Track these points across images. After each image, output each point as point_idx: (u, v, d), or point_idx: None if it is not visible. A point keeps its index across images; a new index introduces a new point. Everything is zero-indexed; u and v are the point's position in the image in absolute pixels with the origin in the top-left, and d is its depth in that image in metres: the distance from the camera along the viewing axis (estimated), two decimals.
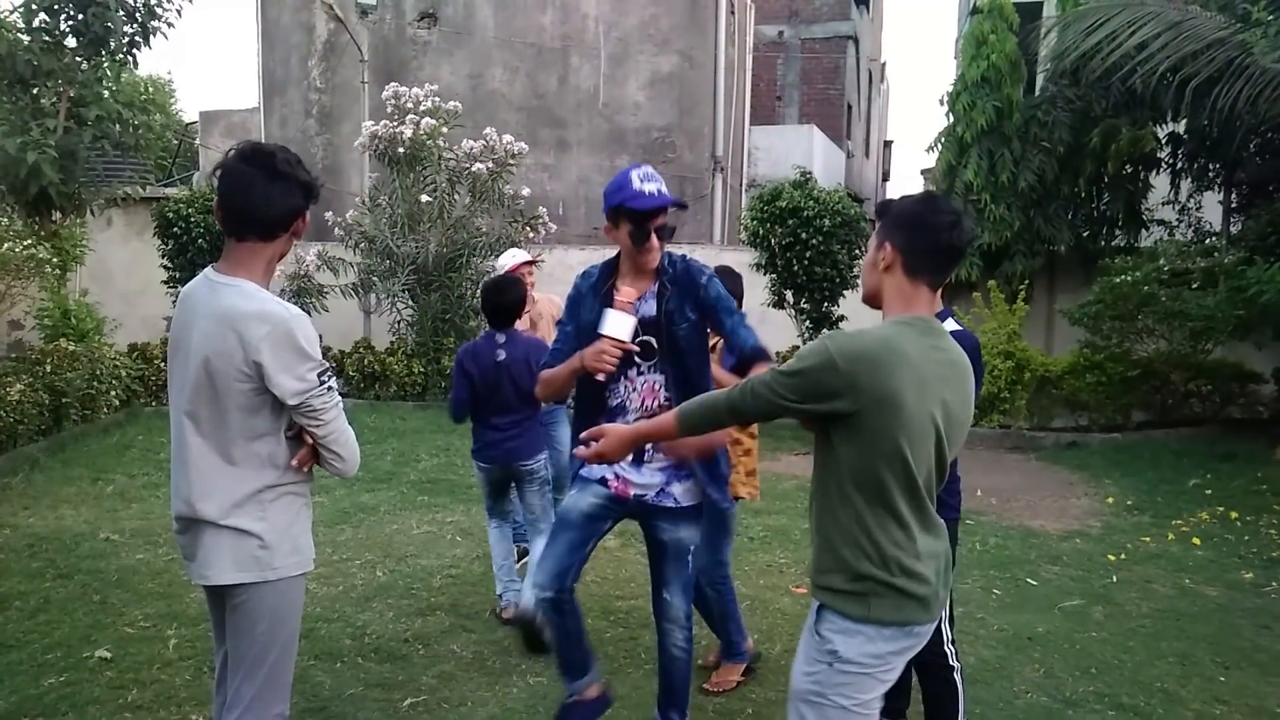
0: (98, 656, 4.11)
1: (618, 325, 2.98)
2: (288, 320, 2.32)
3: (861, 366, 2.11)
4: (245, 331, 2.29)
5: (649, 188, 3.00)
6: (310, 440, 2.45)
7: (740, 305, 4.69)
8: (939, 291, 2.31)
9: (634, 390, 3.12)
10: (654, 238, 3.02)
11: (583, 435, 2.69)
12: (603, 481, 3.17)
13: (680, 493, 3.15)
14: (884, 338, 2.16)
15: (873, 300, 2.38)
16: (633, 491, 3.14)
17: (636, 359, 3.06)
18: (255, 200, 2.35)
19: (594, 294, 3.14)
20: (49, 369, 8.55)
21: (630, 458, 3.08)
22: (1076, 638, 4.67)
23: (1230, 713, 3.90)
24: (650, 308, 3.08)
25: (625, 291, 3.04)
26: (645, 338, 3.06)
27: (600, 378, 2.99)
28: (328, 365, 2.41)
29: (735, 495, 4.04)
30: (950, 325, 3.18)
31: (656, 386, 3.11)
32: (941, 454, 2.23)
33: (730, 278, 4.61)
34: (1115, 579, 5.60)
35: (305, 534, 2.52)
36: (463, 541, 5.85)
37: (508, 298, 4.57)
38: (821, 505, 2.26)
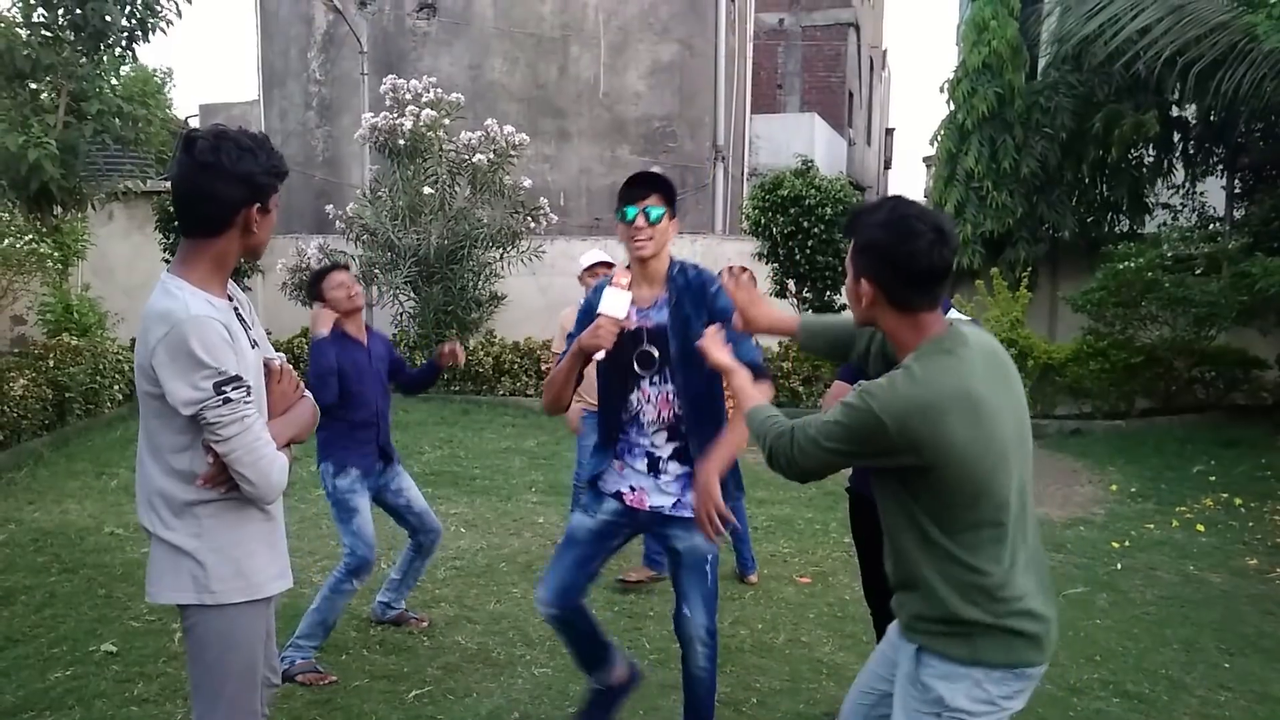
0: (103, 650, 4.12)
1: (613, 303, 2.93)
2: (184, 322, 2.08)
3: (913, 419, 1.91)
4: (147, 333, 2.13)
5: (642, 171, 3.00)
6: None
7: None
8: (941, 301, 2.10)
9: (648, 401, 3.07)
10: (641, 218, 2.94)
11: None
12: (617, 496, 3.12)
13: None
14: (924, 378, 1.94)
15: (865, 325, 2.20)
16: (649, 504, 3.10)
17: (639, 369, 3.01)
18: (187, 193, 2.18)
19: (597, 294, 3.09)
20: (52, 364, 8.56)
21: (646, 469, 3.09)
22: (1081, 625, 4.67)
23: (1234, 699, 3.90)
24: (663, 315, 3.02)
25: (619, 273, 3.03)
26: (648, 348, 3.01)
27: (599, 355, 2.94)
28: (230, 375, 2.12)
29: None
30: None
31: (670, 396, 3.05)
32: (1025, 458, 2.06)
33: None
34: (1119, 566, 5.60)
35: (255, 555, 2.26)
36: (467, 533, 5.86)
37: None
38: (902, 551, 2.07)
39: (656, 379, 3.05)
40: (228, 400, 2.10)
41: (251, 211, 2.18)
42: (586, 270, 5.23)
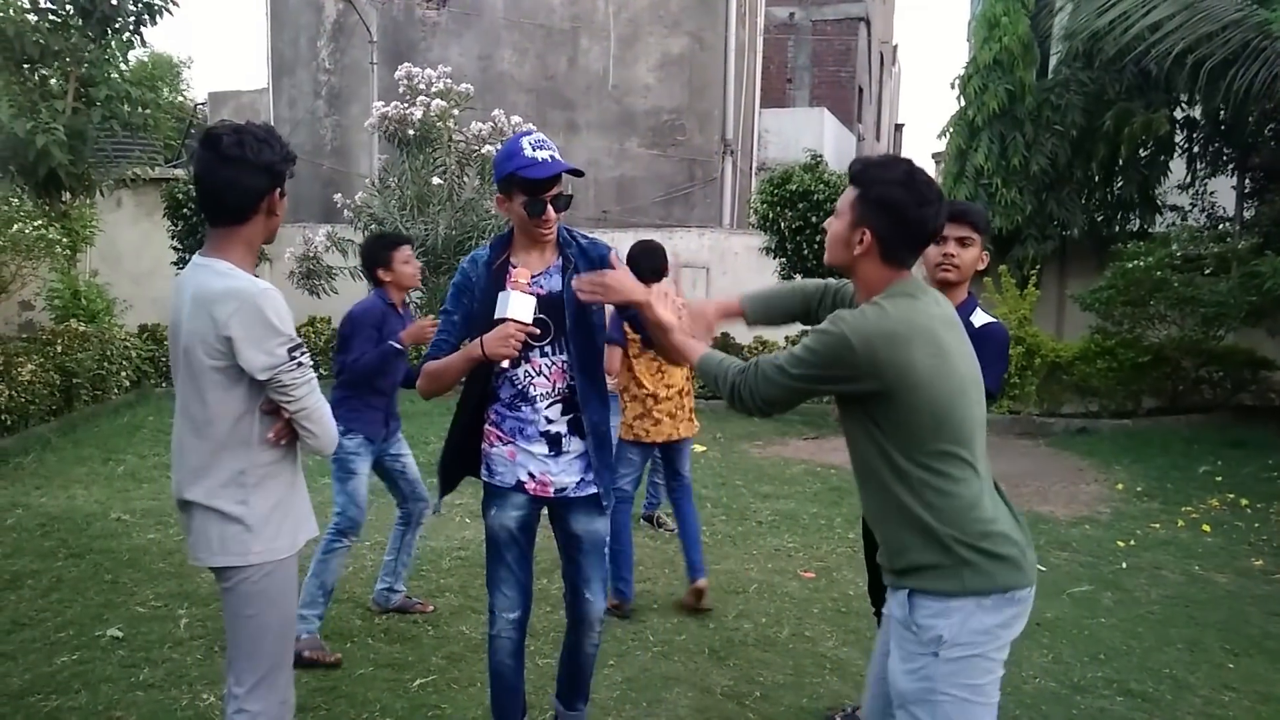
0: (109, 635, 4.13)
1: (519, 307, 2.75)
2: (255, 295, 2.31)
3: (879, 343, 2.03)
4: (215, 309, 2.29)
5: (542, 155, 2.79)
6: (285, 415, 2.42)
7: (664, 279, 4.56)
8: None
9: (538, 373, 2.90)
10: (550, 209, 2.81)
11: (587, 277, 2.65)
12: (518, 487, 2.95)
13: (596, 477, 2.99)
14: (894, 313, 2.07)
15: (842, 272, 2.28)
16: (553, 488, 2.95)
17: (534, 340, 2.84)
18: (216, 186, 2.36)
19: (488, 273, 2.91)
20: (60, 350, 8.58)
21: (547, 449, 2.93)
22: (1085, 624, 4.67)
23: (1239, 699, 3.89)
24: (555, 283, 2.89)
25: (519, 271, 2.84)
26: (540, 316, 2.82)
27: (505, 364, 2.80)
28: (299, 341, 2.39)
29: (683, 436, 4.69)
30: (981, 317, 3.15)
31: (565, 367, 2.91)
32: (979, 410, 2.15)
33: (652, 254, 4.58)
34: (1124, 565, 5.59)
35: (293, 515, 2.48)
36: (471, 523, 5.86)
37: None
38: (877, 489, 2.15)
39: (550, 349, 2.90)
40: (300, 364, 2.37)
41: (274, 196, 2.40)
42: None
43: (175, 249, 11.67)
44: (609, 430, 3.04)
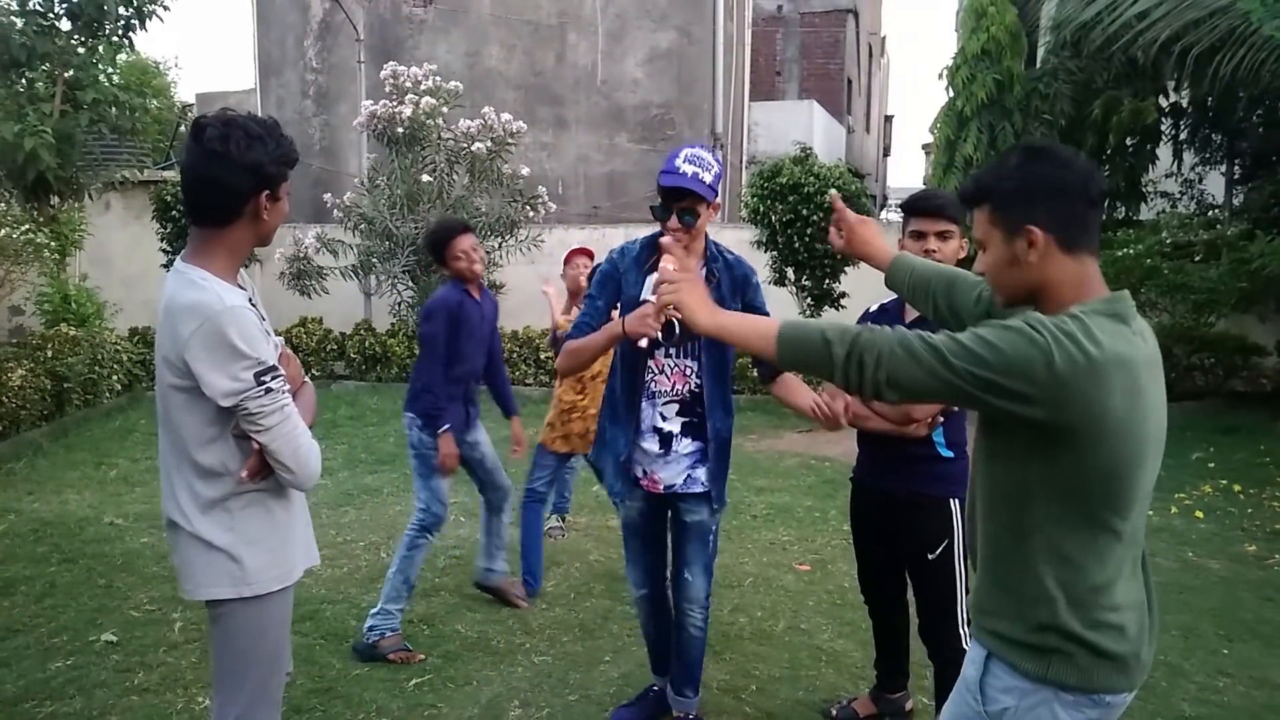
0: (104, 640, 4.13)
1: None
2: (219, 313, 2.05)
3: (1083, 372, 1.65)
4: (178, 324, 2.08)
5: (686, 168, 2.92)
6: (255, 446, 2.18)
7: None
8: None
9: (660, 372, 3.10)
10: (675, 218, 2.97)
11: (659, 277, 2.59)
12: (636, 482, 3.20)
13: (705, 476, 3.17)
14: (1104, 340, 1.68)
15: (1020, 302, 1.86)
16: (662, 486, 3.16)
17: (663, 341, 2.99)
18: (195, 183, 2.14)
19: (636, 267, 3.09)
20: (50, 354, 8.55)
21: (659, 446, 3.12)
22: None
23: (1233, 685, 3.91)
24: None
25: (668, 258, 2.91)
26: (676, 316, 2.95)
27: (643, 343, 2.88)
28: (269, 364, 2.11)
29: (572, 451, 4.88)
30: None
31: (688, 372, 3.09)
32: (1153, 476, 1.81)
33: None
34: None
35: (288, 542, 2.29)
36: (466, 522, 5.86)
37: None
38: (999, 527, 1.85)
39: (674, 351, 3.08)
40: (269, 390, 2.10)
41: (260, 199, 2.15)
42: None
43: (165, 251, 11.62)
44: (730, 438, 3.22)
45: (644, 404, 3.12)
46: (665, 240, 2.79)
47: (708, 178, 2.95)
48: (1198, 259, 9.71)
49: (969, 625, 2.03)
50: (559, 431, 4.87)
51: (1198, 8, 8.70)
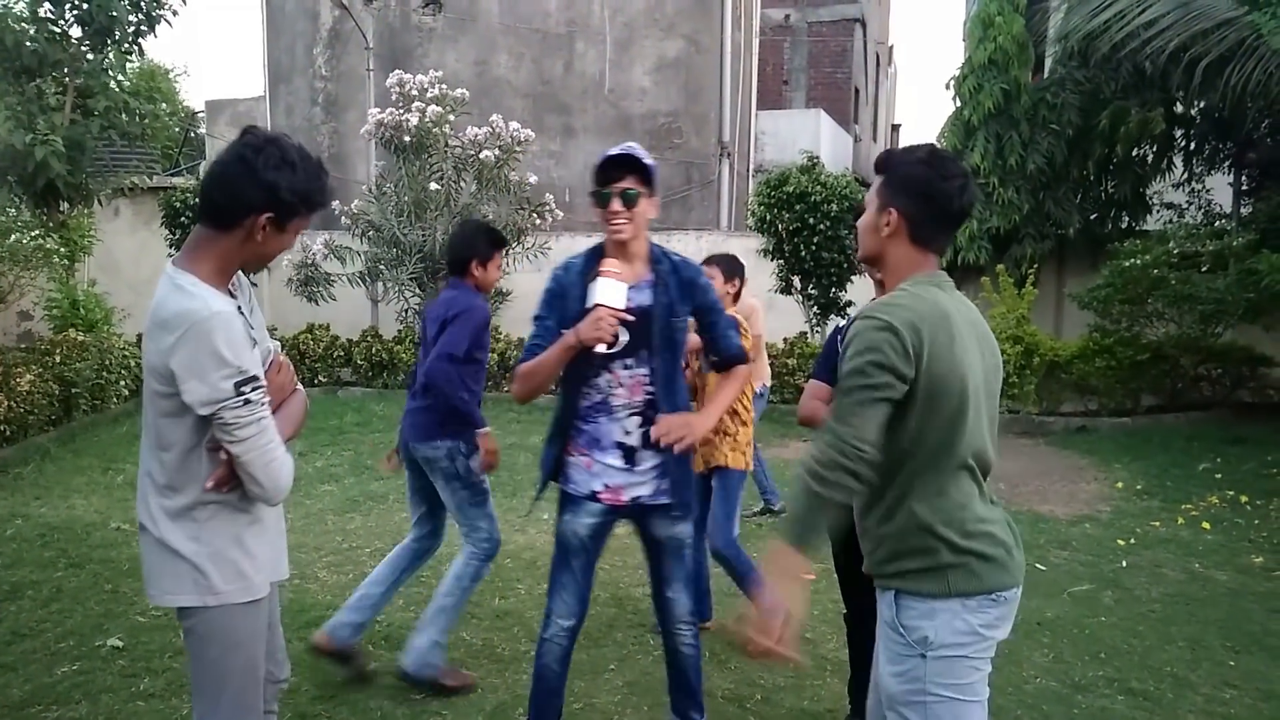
0: (110, 645, 4.14)
1: (611, 293, 2.82)
2: (205, 319, 2.03)
3: (914, 330, 2.00)
4: (163, 332, 2.07)
5: (616, 151, 2.91)
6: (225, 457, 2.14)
7: (741, 287, 4.84)
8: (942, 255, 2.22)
9: (619, 385, 2.97)
10: (615, 201, 2.88)
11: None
12: (593, 496, 3.02)
13: (673, 488, 3.05)
14: (924, 296, 2.07)
15: (872, 262, 2.27)
16: (626, 497, 3.01)
17: (614, 351, 2.91)
18: (212, 176, 2.14)
19: (581, 281, 2.97)
20: (58, 359, 8.58)
21: (622, 461, 2.99)
22: (1086, 622, 4.67)
23: (1240, 697, 3.89)
24: (645, 297, 2.94)
25: (609, 260, 2.91)
26: (627, 317, 2.88)
27: (601, 348, 2.82)
28: (251, 374, 2.08)
29: (730, 465, 4.33)
30: None
31: (642, 380, 2.97)
32: (987, 421, 2.14)
33: (732, 263, 4.76)
34: (1125, 564, 5.59)
35: (253, 556, 2.24)
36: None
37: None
38: (879, 490, 2.12)
39: (630, 361, 2.96)
40: (247, 401, 2.07)
41: (259, 220, 2.12)
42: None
43: (172, 258, 11.66)
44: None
45: (604, 419, 2.98)
46: (608, 260, 2.86)
47: (648, 161, 2.93)
48: (1205, 269, 9.68)
49: (874, 581, 2.21)
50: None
51: (1205, 19, 8.70)
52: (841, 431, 2.01)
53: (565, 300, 2.98)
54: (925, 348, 2.00)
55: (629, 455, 2.99)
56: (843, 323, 3.39)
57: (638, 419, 2.98)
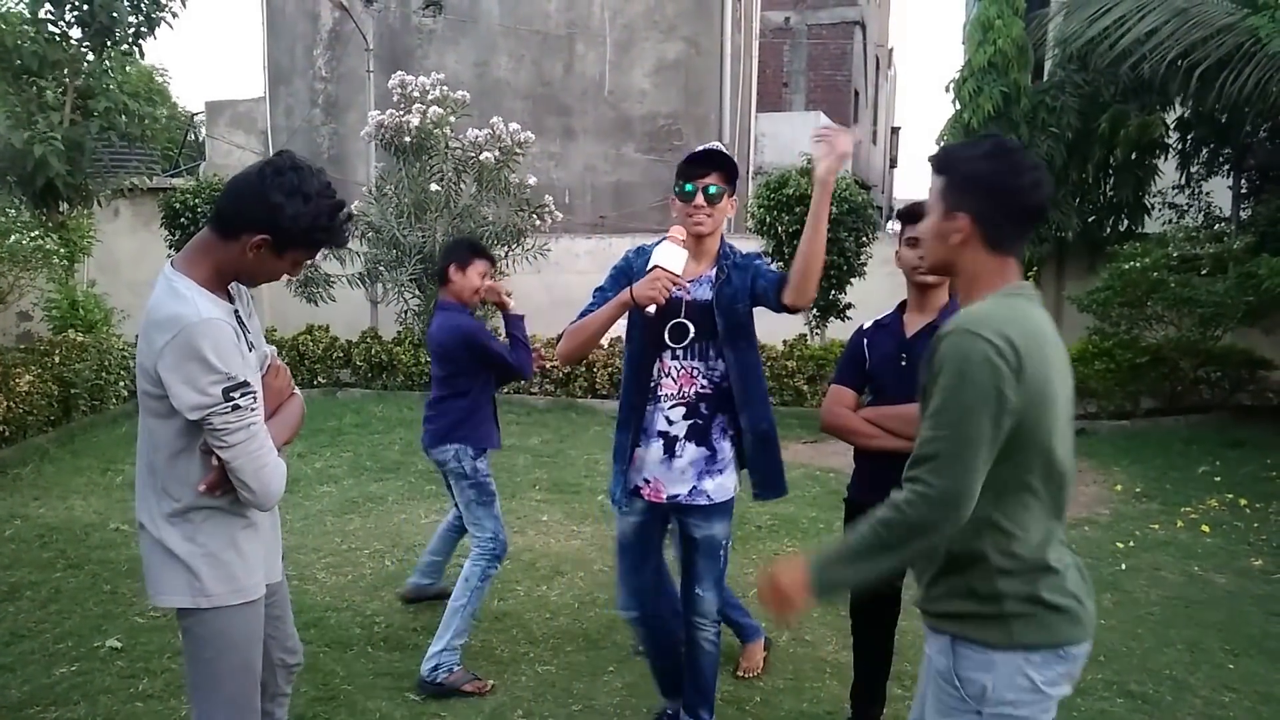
0: (109, 646, 4.13)
1: (670, 256, 2.86)
2: (194, 325, 2.04)
3: (1024, 351, 1.79)
4: (154, 335, 2.08)
5: (703, 148, 2.98)
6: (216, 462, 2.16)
7: None
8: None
9: (667, 374, 3.04)
10: (700, 196, 2.96)
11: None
12: (637, 491, 3.13)
13: (712, 489, 3.09)
14: (1024, 314, 1.86)
15: (945, 272, 2.08)
16: (665, 495, 3.10)
17: (669, 341, 2.99)
18: (233, 182, 2.19)
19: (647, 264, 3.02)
20: (57, 360, 8.57)
21: (661, 452, 3.06)
22: None
23: (1239, 700, 3.89)
24: (704, 292, 3.01)
25: (676, 228, 2.97)
26: (684, 320, 2.99)
27: (650, 310, 2.86)
28: (240, 380, 2.09)
29: None
30: None
31: (695, 374, 3.03)
32: (1070, 444, 1.92)
33: None
34: (1124, 566, 5.59)
35: (246, 560, 2.26)
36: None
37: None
38: None
39: (682, 353, 3.03)
40: (236, 407, 2.08)
41: (255, 238, 2.12)
42: None
43: (171, 259, 11.65)
44: (770, 429, 3.13)
45: (649, 407, 3.06)
46: (675, 228, 2.90)
47: (733, 160, 3.02)
48: (1204, 272, 9.68)
49: (924, 619, 2.04)
50: None
51: (1205, 25, 8.72)
52: (943, 488, 1.78)
53: (630, 279, 3.02)
54: (1026, 372, 1.79)
55: (669, 446, 3.06)
56: (867, 324, 3.32)
57: (681, 409, 3.05)
